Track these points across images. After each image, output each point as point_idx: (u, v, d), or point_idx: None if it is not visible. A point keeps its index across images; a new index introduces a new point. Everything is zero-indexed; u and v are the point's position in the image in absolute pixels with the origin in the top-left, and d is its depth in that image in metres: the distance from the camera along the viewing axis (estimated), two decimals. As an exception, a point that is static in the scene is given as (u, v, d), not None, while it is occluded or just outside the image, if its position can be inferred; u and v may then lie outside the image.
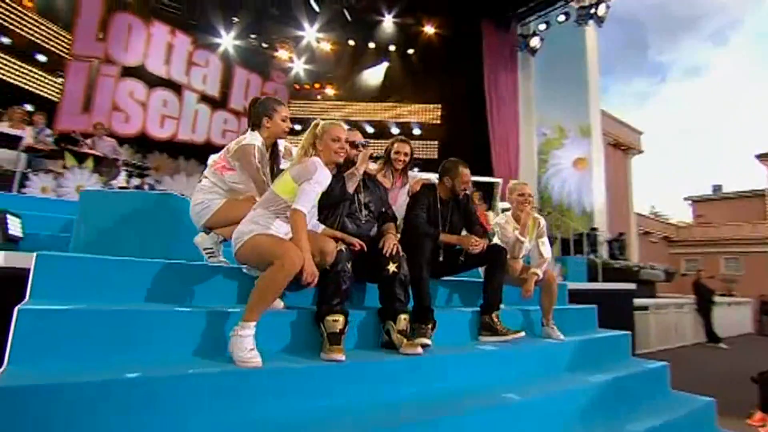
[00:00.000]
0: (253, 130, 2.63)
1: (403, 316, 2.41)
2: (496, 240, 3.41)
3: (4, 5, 9.41)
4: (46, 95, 9.99)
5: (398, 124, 13.35)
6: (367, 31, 13.00)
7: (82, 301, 1.94)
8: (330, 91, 14.33)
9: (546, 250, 3.39)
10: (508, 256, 3.20)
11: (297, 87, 14.28)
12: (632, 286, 7.16)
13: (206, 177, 2.70)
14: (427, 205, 3.07)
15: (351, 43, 13.39)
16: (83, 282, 2.04)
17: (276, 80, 13.51)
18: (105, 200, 2.91)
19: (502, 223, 3.36)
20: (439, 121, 13.11)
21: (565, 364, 2.97)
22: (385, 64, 13.52)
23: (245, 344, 1.88)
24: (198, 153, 11.46)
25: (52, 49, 10.19)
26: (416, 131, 13.24)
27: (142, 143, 11.08)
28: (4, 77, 9.39)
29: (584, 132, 11.65)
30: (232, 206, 2.54)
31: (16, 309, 1.67)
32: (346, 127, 2.51)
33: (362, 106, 13.70)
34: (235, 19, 12.52)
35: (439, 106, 13.12)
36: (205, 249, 2.60)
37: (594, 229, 9.74)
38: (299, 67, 14.02)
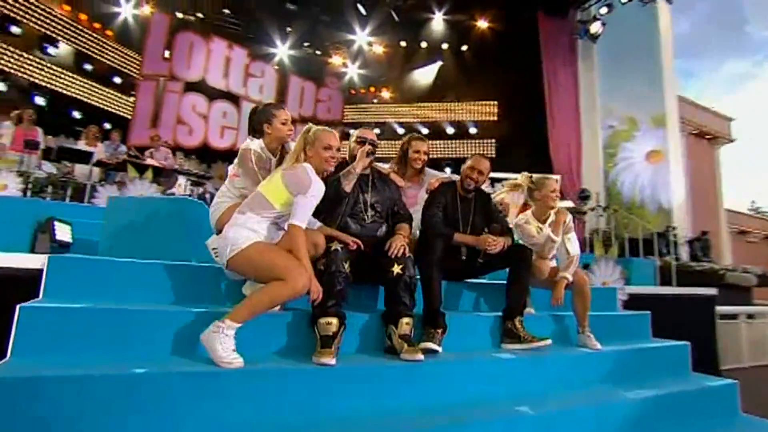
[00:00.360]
0: (253, 137, 2.68)
1: (405, 320, 2.32)
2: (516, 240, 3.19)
3: (89, 36, 10.53)
4: (121, 114, 11.03)
5: (453, 124, 13.10)
6: (418, 31, 12.92)
7: (90, 300, 2.07)
8: (386, 93, 14.41)
9: (573, 247, 3.12)
10: (536, 257, 2.99)
11: (352, 92, 14.54)
12: (713, 291, 6.40)
13: (224, 184, 2.81)
14: (443, 204, 2.94)
15: (402, 44, 13.38)
16: (91, 282, 2.19)
17: (330, 86, 13.84)
18: (128, 206, 3.11)
19: (522, 223, 3.13)
20: (495, 118, 12.67)
21: (599, 377, 2.70)
22: (438, 63, 13.34)
23: (228, 344, 1.89)
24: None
25: (126, 71, 11.24)
26: (472, 130, 12.91)
27: (206, 154, 11.84)
28: (87, 99, 10.49)
29: (658, 122, 10.66)
30: (234, 209, 2.60)
31: (18, 306, 1.82)
32: (338, 134, 2.46)
33: (416, 107, 13.60)
34: (289, 29, 13.02)
35: (495, 102, 12.68)
36: (213, 249, 2.68)
37: (670, 227, 8.86)
38: (353, 71, 14.26)
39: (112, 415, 1.60)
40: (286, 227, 2.26)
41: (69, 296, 2.11)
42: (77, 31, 10.36)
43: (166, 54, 11.29)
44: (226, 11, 12.14)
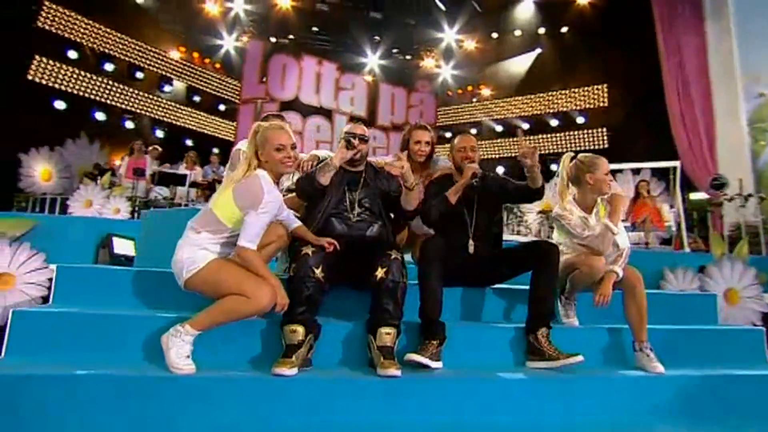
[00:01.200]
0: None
1: (385, 330, 2.12)
2: (556, 237, 2.73)
3: (197, 71, 12.05)
4: (226, 138, 12.34)
5: (557, 116, 12.12)
6: (508, 20, 12.31)
7: (90, 306, 2.27)
8: (486, 91, 13.92)
9: (623, 238, 2.57)
10: (586, 254, 2.53)
11: (449, 93, 14.35)
12: None
13: None
14: (435, 197, 2.66)
15: (494, 36, 12.84)
16: (96, 290, 2.40)
17: (421, 90, 13.84)
18: (159, 218, 3.38)
19: (563, 213, 2.66)
20: (605, 104, 11.41)
21: (650, 409, 2.14)
22: (536, 52, 12.50)
23: (183, 350, 1.90)
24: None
25: (229, 98, 12.57)
26: (579, 120, 11.79)
27: None
28: (197, 128, 11.96)
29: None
30: None
31: (10, 311, 2.06)
32: (291, 130, 2.33)
33: (515, 101, 12.88)
34: (377, 38, 13.36)
35: (604, 86, 11.41)
36: None
37: None
38: (446, 72, 14.07)
39: (50, 413, 1.70)
40: None
41: (75, 302, 2.34)
42: (187, 68, 11.89)
43: (262, 79, 12.40)
44: (315, 29, 12.89)
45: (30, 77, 9.20)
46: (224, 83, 12.53)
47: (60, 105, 9.58)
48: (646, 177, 7.93)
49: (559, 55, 12.03)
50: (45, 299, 2.71)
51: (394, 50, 13.59)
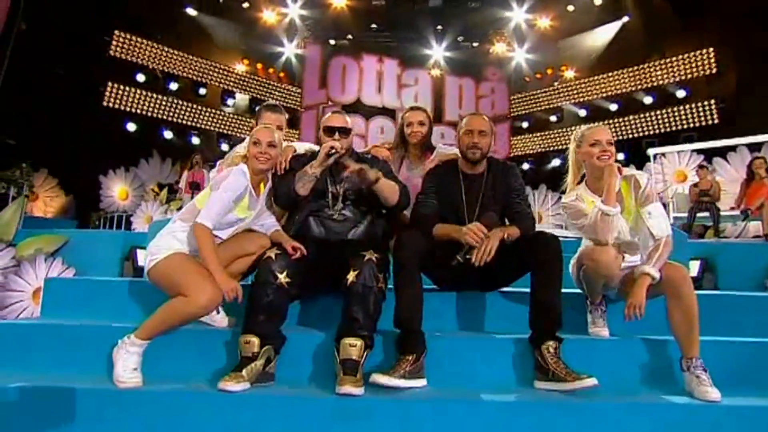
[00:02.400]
0: None
1: (349, 341, 1.94)
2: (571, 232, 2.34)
3: (258, 82, 12.71)
4: (290, 146, 12.82)
5: (650, 92, 10.96)
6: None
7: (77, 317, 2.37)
8: (570, 72, 13.04)
9: (658, 224, 2.11)
10: (598, 249, 2.14)
11: (527, 79, 13.68)
12: None
13: None
14: (437, 187, 2.40)
15: (570, 8, 11.97)
16: (80, 300, 2.51)
17: (491, 78, 13.33)
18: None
19: (571, 201, 2.26)
20: (713, 71, 10.07)
21: None
22: (622, 20, 11.45)
23: (129, 363, 1.89)
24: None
25: (291, 106, 13.05)
26: (680, 93, 10.55)
27: None
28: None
29: None
30: None
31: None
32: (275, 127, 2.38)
33: (600, 80, 11.88)
34: (440, 28, 13.12)
35: (711, 50, 10.09)
36: None
37: None
38: (520, 56, 13.43)
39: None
40: (223, 236, 2.20)
41: (63, 313, 2.45)
42: (249, 79, 12.57)
43: (322, 84, 12.74)
44: (373, 26, 12.98)
45: (105, 103, 10.29)
46: (286, 91, 13.05)
47: (131, 127, 10.60)
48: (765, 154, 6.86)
49: (650, 21, 10.90)
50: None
51: (459, 38, 13.25)
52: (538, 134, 12.76)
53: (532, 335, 2.06)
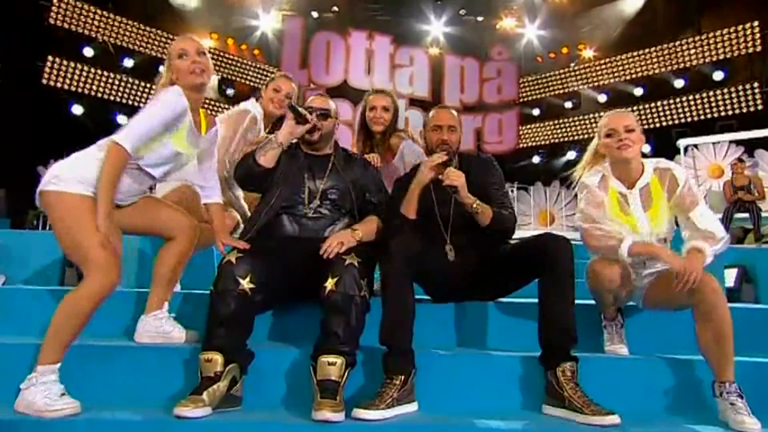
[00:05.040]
0: None
1: (327, 359, 1.92)
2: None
3: (231, 59, 12.65)
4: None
5: (682, 74, 11.06)
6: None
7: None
8: (588, 52, 13.14)
9: (716, 226, 2.15)
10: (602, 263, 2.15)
11: (539, 59, 13.77)
12: None
13: None
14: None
15: (590, -23, 12.09)
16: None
17: (497, 58, 13.40)
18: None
19: (587, 192, 2.27)
20: (757, 48, 10.15)
21: None
22: (650, -8, 11.56)
23: (53, 391, 1.81)
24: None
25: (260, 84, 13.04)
26: (717, 76, 10.66)
27: None
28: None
29: None
30: None
31: None
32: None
33: (623, 61, 11.96)
34: (439, 1, 13.15)
35: (756, 24, 10.15)
36: None
37: None
38: (532, 33, 13.52)
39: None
40: (156, 174, 2.16)
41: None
42: (218, 58, 12.51)
43: (302, 63, 12.74)
44: (363, -3, 13.02)
45: (45, 81, 10.16)
46: (261, 71, 13.01)
47: (78, 109, 10.51)
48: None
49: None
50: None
51: (461, 12, 13.31)
52: (551, 123, 12.83)
53: (544, 354, 2.05)
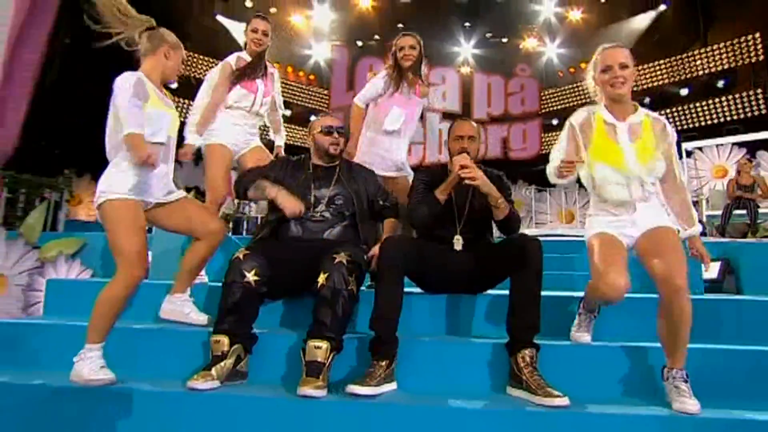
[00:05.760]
0: None
1: (315, 343, 1.94)
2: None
3: (288, 84, 12.94)
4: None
5: (686, 83, 10.45)
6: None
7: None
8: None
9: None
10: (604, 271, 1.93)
11: (560, 74, 13.37)
12: None
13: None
14: (428, 189, 2.38)
15: (603, -1, 11.60)
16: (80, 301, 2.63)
17: (520, 75, 13.06)
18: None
19: (563, 133, 2.15)
20: (759, 58, 9.49)
21: None
22: (660, 8, 10.98)
23: (94, 365, 1.93)
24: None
25: (320, 108, 13.23)
26: (720, 83, 10.02)
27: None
28: (290, 141, 12.80)
29: None
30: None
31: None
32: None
33: (639, 72, 11.41)
34: (467, 24, 12.97)
35: (758, 35, 9.50)
36: None
37: None
38: (552, 51, 13.12)
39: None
40: (162, 139, 2.13)
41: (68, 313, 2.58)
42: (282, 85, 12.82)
43: (349, 85, 12.85)
44: (400, 25, 12.94)
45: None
46: (315, 94, 13.24)
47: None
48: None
49: (690, 8, 10.40)
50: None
51: (488, 35, 13.07)
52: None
53: (509, 341, 2.00)
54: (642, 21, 11.14)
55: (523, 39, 13.13)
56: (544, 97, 13.01)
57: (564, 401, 1.76)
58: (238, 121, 2.92)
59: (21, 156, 7.84)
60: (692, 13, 10.48)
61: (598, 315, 2.21)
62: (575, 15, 12.10)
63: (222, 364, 1.94)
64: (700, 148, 8.10)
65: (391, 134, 3.00)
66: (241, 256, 2.11)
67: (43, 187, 7.97)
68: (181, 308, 2.32)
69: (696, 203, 6.88)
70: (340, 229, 2.37)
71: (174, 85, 11.06)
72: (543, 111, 12.84)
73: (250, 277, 2.06)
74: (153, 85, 2.14)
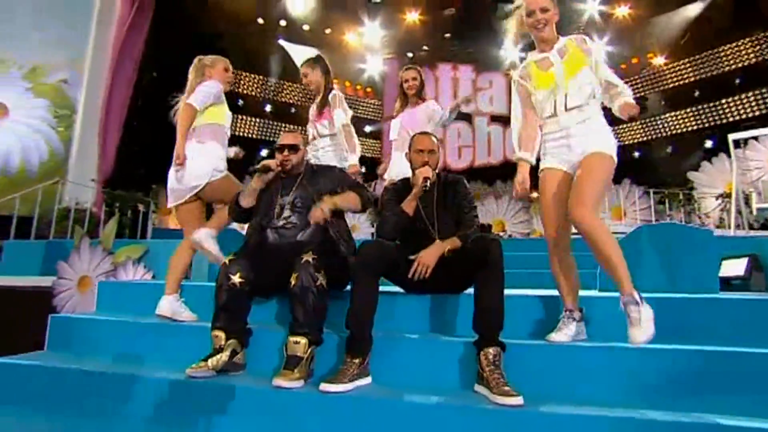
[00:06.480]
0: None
1: (293, 339, 2.06)
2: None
3: (347, 97, 13.24)
4: (373, 156, 13.17)
5: (740, 73, 9.45)
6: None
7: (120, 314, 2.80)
8: (660, 59, 11.74)
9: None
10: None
11: (612, 70, 12.59)
12: None
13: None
14: (396, 202, 2.41)
15: (650, -8, 10.78)
16: (125, 301, 2.94)
17: (567, 74, 12.45)
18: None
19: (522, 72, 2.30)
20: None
21: None
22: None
23: (178, 307, 2.56)
24: (497, 175, 12.16)
25: (375, 119, 13.43)
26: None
27: (466, 176, 12.60)
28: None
29: None
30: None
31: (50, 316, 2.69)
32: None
33: (685, 64, 10.52)
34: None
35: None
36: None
37: None
38: (601, 49, 12.39)
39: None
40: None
41: (119, 310, 2.89)
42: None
43: (400, 94, 12.92)
44: (447, 35, 12.85)
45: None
46: (369, 105, 13.45)
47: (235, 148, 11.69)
48: None
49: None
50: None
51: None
52: (619, 127, 11.65)
53: (477, 340, 1.99)
54: (693, 10, 10.22)
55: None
56: (594, 95, 12.31)
57: (518, 401, 1.73)
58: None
59: (116, 175, 8.80)
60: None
61: (582, 316, 2.14)
62: (622, 11, 11.35)
63: (218, 356, 2.08)
64: (755, 138, 7.28)
65: (397, 149, 3.41)
66: (227, 261, 2.25)
67: (134, 201, 8.78)
68: (175, 308, 2.57)
69: (747, 197, 6.23)
70: (310, 230, 2.40)
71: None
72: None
73: (235, 279, 2.19)
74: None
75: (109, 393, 2.10)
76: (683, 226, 3.25)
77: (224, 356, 2.10)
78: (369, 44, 13.04)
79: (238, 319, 2.21)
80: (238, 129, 11.68)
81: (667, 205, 8.94)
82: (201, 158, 2.62)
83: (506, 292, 2.02)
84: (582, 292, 2.19)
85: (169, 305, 2.57)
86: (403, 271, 2.24)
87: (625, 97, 2.05)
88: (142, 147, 9.37)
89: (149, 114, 9.24)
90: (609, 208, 10.38)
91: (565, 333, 2.07)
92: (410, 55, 13.24)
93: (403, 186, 2.50)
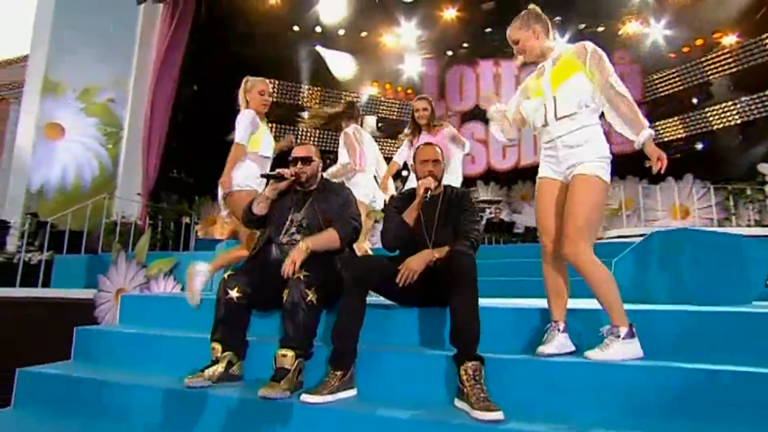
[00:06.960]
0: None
1: (281, 352, 2.17)
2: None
3: (380, 101, 13.45)
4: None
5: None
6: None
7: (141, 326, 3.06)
8: (731, 38, 10.99)
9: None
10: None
11: (672, 55, 11.97)
12: None
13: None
14: (399, 211, 2.49)
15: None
16: (145, 314, 3.20)
17: (618, 63, 11.91)
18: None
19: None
20: None
21: None
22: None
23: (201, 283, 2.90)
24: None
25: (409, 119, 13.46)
26: None
27: (511, 177, 12.57)
28: (384, 154, 13.22)
29: None
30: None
31: (75, 328, 2.98)
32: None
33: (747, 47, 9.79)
34: (558, 19, 12.22)
35: None
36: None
37: None
38: (658, 33, 11.81)
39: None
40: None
41: (138, 323, 3.16)
42: (375, 101, 13.36)
43: (441, 94, 12.92)
44: (488, 30, 12.68)
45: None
46: (408, 106, 13.53)
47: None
48: None
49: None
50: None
51: (581, 26, 12.16)
52: (679, 117, 11.01)
53: (454, 354, 2.03)
54: (759, -14, 9.52)
55: (622, 24, 11.99)
56: (647, 84, 11.71)
57: (498, 416, 1.76)
58: None
59: (159, 188, 9.41)
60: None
61: (565, 330, 2.13)
62: (680, -11, 10.76)
63: (214, 367, 2.25)
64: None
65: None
66: (226, 277, 2.42)
67: (176, 213, 9.38)
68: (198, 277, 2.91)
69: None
70: None
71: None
72: (647, 99, 11.55)
73: (233, 293, 2.35)
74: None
75: (114, 400, 2.32)
76: (702, 231, 3.09)
77: (220, 368, 2.27)
78: (407, 45, 13.13)
79: (236, 332, 2.36)
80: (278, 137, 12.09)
81: (731, 201, 8.35)
82: (236, 171, 3.09)
83: (494, 302, 2.06)
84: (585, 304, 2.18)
85: (199, 272, 2.90)
86: (395, 284, 2.27)
87: (641, 127, 2.00)
88: (184, 161, 9.99)
89: (190, 128, 9.89)
90: (671, 208, 9.88)
91: (554, 345, 2.06)
92: (450, 53, 13.22)
93: (409, 196, 2.57)
